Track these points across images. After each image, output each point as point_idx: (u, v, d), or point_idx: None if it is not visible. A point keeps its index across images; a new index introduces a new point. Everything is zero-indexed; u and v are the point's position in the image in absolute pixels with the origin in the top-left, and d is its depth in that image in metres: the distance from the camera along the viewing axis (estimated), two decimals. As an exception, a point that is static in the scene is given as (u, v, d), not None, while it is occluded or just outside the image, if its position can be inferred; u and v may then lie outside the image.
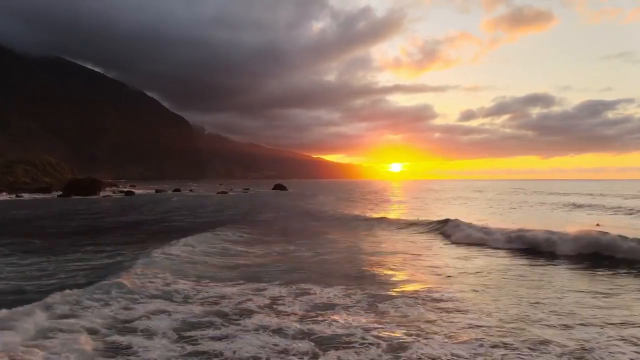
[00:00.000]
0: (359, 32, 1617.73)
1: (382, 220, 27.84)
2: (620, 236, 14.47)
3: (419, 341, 6.45)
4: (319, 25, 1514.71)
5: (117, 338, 6.49)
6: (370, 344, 6.36)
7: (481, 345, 6.22)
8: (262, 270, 12.18)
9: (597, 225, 28.51)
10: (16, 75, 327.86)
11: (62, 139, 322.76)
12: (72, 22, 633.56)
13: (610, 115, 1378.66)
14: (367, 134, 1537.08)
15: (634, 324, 7.19)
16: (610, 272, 11.80)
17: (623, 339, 6.48)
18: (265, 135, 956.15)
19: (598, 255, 13.92)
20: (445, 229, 20.84)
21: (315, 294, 9.36)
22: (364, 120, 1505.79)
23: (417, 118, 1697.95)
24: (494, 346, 6.25)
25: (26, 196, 60.68)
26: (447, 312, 8.03)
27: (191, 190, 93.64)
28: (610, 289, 9.88)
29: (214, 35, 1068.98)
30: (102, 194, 69.22)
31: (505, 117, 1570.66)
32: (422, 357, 5.90)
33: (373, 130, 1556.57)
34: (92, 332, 6.64)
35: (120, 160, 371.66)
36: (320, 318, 7.59)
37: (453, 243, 18.03)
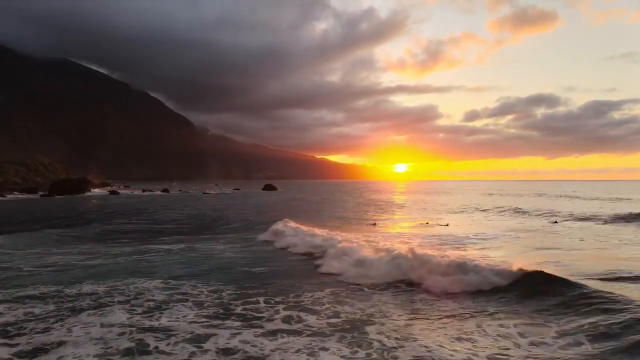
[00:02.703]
0: (362, 33, 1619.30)
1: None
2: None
3: None
4: (321, 26, 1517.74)
5: None
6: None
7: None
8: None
9: (447, 225, 28.81)
10: (20, 76, 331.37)
11: (65, 140, 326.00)
12: (77, 24, 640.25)
13: (616, 115, 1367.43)
14: (371, 135, 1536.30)
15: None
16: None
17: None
18: (268, 135, 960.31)
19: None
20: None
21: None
22: (367, 121, 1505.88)
23: (421, 118, 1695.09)
24: None
25: (10, 196, 62.09)
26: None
27: (180, 191, 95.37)
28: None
29: (217, 37, 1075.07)
30: (88, 194, 70.68)
31: (510, 117, 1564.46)
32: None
33: (377, 131, 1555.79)
34: None
35: (123, 161, 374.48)
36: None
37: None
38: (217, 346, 7.17)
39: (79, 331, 7.74)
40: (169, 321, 8.31)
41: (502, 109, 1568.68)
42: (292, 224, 22.24)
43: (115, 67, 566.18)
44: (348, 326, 8.17)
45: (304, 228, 21.02)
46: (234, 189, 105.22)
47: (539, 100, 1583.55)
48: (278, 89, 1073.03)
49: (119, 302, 9.58)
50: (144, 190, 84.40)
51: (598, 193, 70.37)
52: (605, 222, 27.15)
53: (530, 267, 10.58)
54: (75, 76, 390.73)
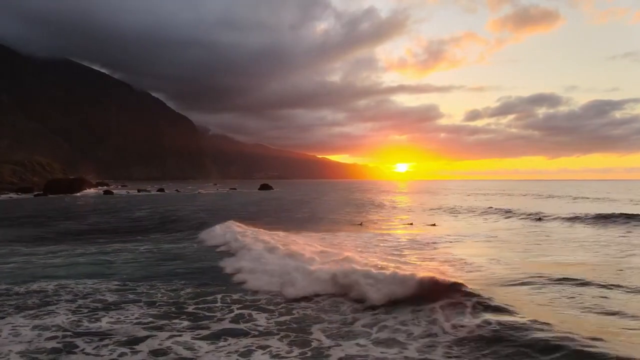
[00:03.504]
0: (363, 33, 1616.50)
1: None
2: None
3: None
4: (322, 26, 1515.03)
5: None
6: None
7: None
8: None
9: (361, 224, 28.75)
10: (21, 76, 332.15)
11: (66, 140, 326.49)
12: (78, 24, 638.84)
13: (618, 115, 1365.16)
14: (372, 134, 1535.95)
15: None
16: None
17: None
18: (270, 135, 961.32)
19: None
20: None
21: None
22: (368, 121, 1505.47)
23: (423, 118, 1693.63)
24: None
25: (2, 197, 62.00)
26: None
27: (177, 190, 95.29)
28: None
29: (218, 37, 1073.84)
30: (81, 193, 70.57)
31: (511, 117, 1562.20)
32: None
33: (378, 131, 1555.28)
34: None
35: (125, 161, 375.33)
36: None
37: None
38: (150, 348, 6.93)
39: (8, 331, 7.56)
40: (110, 322, 8.09)
41: (504, 109, 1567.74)
42: (234, 227, 21.71)
43: (116, 67, 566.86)
44: (295, 325, 8.06)
45: (237, 229, 20.58)
46: (230, 189, 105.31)
47: (540, 99, 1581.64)
48: (279, 88, 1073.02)
49: (66, 301, 9.39)
50: (139, 190, 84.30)
51: (590, 193, 70.02)
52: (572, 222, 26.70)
53: (433, 272, 9.87)
54: (76, 76, 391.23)
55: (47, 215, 34.27)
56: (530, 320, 7.07)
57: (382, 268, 10.53)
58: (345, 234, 22.20)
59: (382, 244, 17.88)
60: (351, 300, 9.25)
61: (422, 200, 58.40)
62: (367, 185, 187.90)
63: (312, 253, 13.45)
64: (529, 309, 8.06)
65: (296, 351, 6.85)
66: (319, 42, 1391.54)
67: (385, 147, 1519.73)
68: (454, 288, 8.72)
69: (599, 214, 28.05)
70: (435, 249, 16.72)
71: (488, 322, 7.21)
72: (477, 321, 7.32)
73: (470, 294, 8.40)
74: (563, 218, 28.59)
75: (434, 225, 27.50)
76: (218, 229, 21.18)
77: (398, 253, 15.45)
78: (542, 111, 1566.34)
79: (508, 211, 34.68)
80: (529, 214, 31.85)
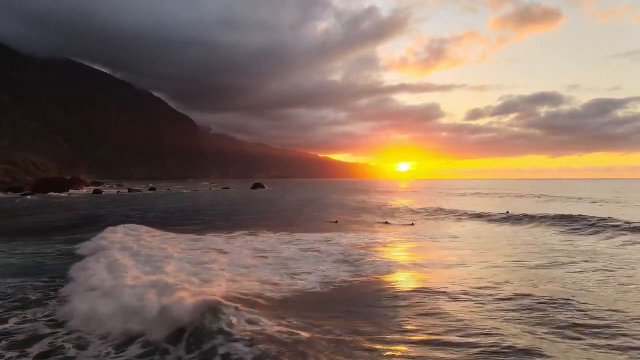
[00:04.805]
0: (363, 32, 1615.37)
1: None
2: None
3: None
4: (323, 26, 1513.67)
5: None
6: None
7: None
8: None
9: (336, 222, 29.34)
10: (22, 76, 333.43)
11: (68, 140, 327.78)
12: (79, 23, 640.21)
13: (620, 114, 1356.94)
14: (374, 134, 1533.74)
15: None
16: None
17: None
18: (271, 135, 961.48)
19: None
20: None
21: None
22: (370, 120, 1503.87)
23: (424, 117, 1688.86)
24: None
25: (-11, 195, 62.51)
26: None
27: (168, 189, 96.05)
28: None
29: (219, 37, 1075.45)
30: (66, 193, 71.13)
31: (513, 116, 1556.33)
32: None
33: (379, 130, 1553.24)
34: None
35: (126, 161, 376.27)
36: None
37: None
38: None
39: None
40: None
41: (506, 108, 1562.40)
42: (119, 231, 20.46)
43: (118, 67, 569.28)
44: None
45: (116, 237, 18.59)
46: (223, 188, 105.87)
47: (542, 98, 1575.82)
48: (281, 88, 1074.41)
49: None
50: (130, 190, 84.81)
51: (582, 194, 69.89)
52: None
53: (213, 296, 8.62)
54: (77, 76, 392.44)
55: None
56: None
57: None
58: (251, 238, 20.66)
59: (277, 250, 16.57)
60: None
61: (418, 199, 58.46)
62: (366, 185, 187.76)
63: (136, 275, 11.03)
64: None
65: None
66: (319, 41, 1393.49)
67: (386, 147, 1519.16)
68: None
69: (525, 215, 29.54)
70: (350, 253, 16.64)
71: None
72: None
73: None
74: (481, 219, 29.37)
75: (412, 225, 28.14)
76: (106, 233, 19.69)
77: (263, 256, 15.03)
78: (544, 110, 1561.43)
79: (480, 213, 34.90)
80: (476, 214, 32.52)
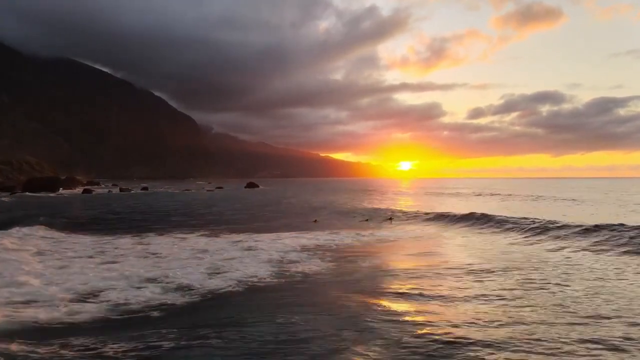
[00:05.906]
0: (364, 31, 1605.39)
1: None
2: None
3: None
4: (324, 25, 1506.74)
5: None
6: None
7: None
8: None
9: (315, 221, 29.68)
10: (23, 75, 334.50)
11: (68, 140, 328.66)
12: (80, 23, 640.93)
13: (622, 112, 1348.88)
14: (375, 133, 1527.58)
15: None
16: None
17: None
18: (272, 134, 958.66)
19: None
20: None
21: None
22: (371, 119, 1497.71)
23: (425, 116, 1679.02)
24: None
25: (-23, 195, 62.49)
26: None
27: (163, 189, 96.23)
28: None
29: (220, 36, 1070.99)
30: (60, 192, 71.22)
31: (515, 114, 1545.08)
32: None
33: (381, 129, 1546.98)
34: None
35: (126, 161, 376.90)
36: None
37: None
38: None
39: None
40: None
41: (507, 107, 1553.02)
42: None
43: (118, 66, 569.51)
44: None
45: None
46: (217, 187, 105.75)
47: (544, 97, 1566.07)
48: (282, 87, 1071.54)
49: None
50: (121, 190, 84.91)
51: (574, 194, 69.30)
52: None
53: None
54: (77, 76, 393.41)
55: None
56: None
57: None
58: (163, 239, 20.65)
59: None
60: None
61: (415, 198, 58.11)
62: (368, 184, 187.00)
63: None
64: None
65: None
66: (320, 40, 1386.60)
67: (388, 146, 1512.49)
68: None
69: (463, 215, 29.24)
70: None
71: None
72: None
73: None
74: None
75: (390, 219, 29.77)
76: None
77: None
78: (545, 109, 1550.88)
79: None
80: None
